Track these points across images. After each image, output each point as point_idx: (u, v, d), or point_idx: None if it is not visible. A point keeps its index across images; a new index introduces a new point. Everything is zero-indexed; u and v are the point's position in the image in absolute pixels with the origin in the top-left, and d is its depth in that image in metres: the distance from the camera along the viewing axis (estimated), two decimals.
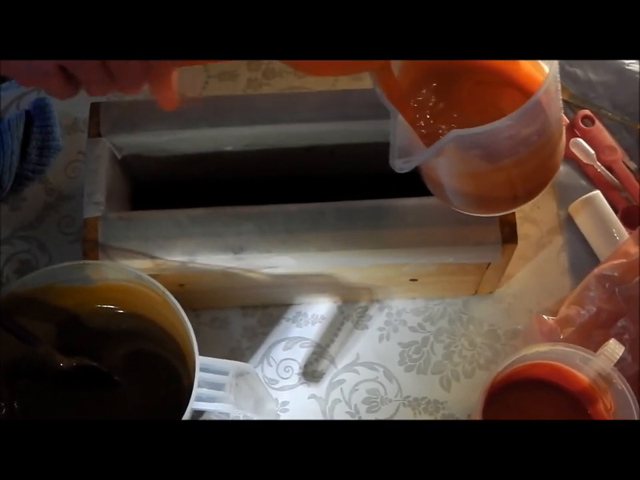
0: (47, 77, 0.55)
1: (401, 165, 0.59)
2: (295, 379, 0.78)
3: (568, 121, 0.87)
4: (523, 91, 0.63)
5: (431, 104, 0.64)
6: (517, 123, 0.55)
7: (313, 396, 0.77)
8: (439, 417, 0.76)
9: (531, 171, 0.61)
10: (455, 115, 0.63)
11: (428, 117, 0.64)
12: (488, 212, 0.66)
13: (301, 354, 0.79)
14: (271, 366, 0.79)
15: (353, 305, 0.81)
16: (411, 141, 0.60)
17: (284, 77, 0.92)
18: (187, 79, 0.92)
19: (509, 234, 0.68)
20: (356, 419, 0.76)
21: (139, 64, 0.55)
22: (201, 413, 0.77)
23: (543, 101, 0.55)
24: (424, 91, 0.64)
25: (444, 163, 0.60)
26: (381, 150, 0.69)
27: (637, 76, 0.90)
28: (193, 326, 0.64)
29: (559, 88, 0.58)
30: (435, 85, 0.65)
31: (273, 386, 0.78)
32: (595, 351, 0.66)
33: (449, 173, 0.61)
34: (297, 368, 0.79)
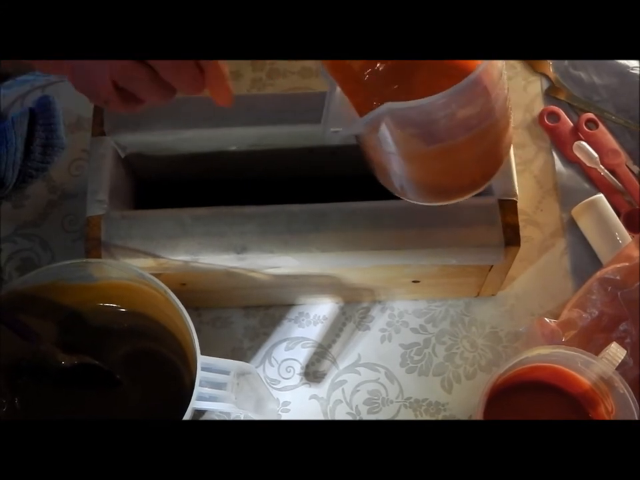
0: (106, 103, 0.56)
1: (329, 134, 0.58)
2: (296, 379, 0.78)
3: (572, 124, 0.87)
4: None
5: (383, 85, 0.63)
6: (452, 101, 0.53)
7: (314, 396, 0.78)
8: (440, 418, 0.76)
9: (472, 158, 0.60)
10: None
11: (378, 97, 0.62)
12: (434, 200, 0.65)
13: (302, 354, 0.79)
14: (273, 366, 0.79)
15: (355, 305, 0.81)
16: (346, 114, 0.59)
17: (288, 77, 0.92)
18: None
19: (511, 236, 0.68)
20: (357, 419, 0.76)
21: (191, 68, 0.55)
22: (202, 412, 0.77)
23: (482, 83, 0.54)
24: (379, 68, 0.63)
25: (384, 142, 0.58)
26: None
27: None
28: (194, 325, 0.64)
29: (504, 77, 0.58)
30: (391, 65, 0.64)
31: (274, 386, 0.78)
32: (597, 354, 0.66)
33: (390, 155, 0.60)
34: (298, 368, 0.79)
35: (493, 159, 0.62)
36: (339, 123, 0.58)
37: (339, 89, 0.59)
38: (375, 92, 0.63)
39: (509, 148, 0.63)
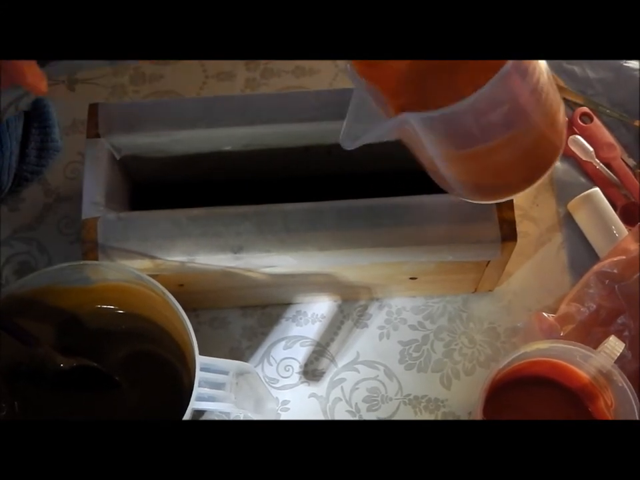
0: None
1: (349, 144, 0.59)
2: (295, 378, 0.78)
3: (567, 118, 0.87)
4: None
5: (424, 82, 0.63)
6: (473, 107, 0.53)
7: (313, 395, 0.78)
8: (439, 415, 0.76)
9: (512, 159, 0.60)
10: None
11: (419, 94, 0.63)
12: (483, 199, 0.65)
13: (301, 353, 0.79)
14: (271, 365, 0.79)
15: (352, 303, 0.81)
16: (373, 117, 0.59)
17: (282, 77, 0.92)
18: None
19: (508, 232, 0.68)
20: (356, 417, 0.76)
21: None
22: (201, 412, 0.77)
23: (507, 86, 0.54)
24: (420, 65, 0.63)
25: (421, 144, 0.59)
26: (379, 149, 0.69)
27: (635, 73, 0.90)
28: (192, 326, 0.64)
29: (543, 78, 0.57)
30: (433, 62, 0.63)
31: (273, 385, 0.78)
32: (595, 348, 0.66)
33: (431, 155, 0.60)
34: (297, 367, 0.79)
35: (539, 158, 0.62)
36: (363, 126, 0.59)
37: (365, 91, 0.59)
38: (417, 89, 0.63)
39: (561, 143, 0.62)
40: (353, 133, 0.59)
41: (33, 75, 0.65)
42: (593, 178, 0.85)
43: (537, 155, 0.62)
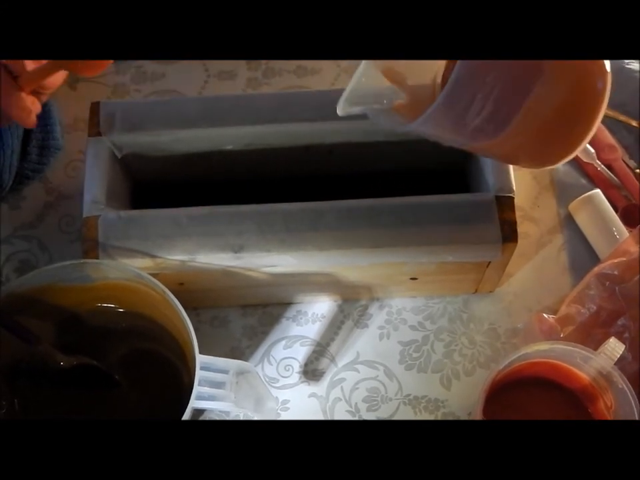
0: None
1: (348, 110, 0.59)
2: (295, 377, 0.78)
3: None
4: None
5: None
6: (441, 113, 0.52)
7: (313, 394, 0.78)
8: (439, 415, 0.76)
9: (534, 140, 0.58)
10: None
11: None
12: (552, 159, 0.61)
13: (301, 353, 0.79)
14: (271, 365, 0.79)
15: (353, 303, 0.81)
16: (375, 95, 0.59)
17: (283, 77, 0.92)
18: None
19: (508, 233, 0.68)
20: (356, 417, 0.76)
21: None
22: (201, 411, 0.77)
23: (472, 81, 0.52)
24: None
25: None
26: (379, 149, 0.69)
27: (637, 74, 0.90)
28: (193, 324, 0.64)
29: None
30: None
31: (273, 385, 0.78)
32: (595, 349, 0.66)
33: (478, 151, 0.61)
34: (297, 367, 0.79)
35: (579, 98, 0.58)
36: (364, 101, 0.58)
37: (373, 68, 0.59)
38: None
39: (595, 109, 0.58)
40: (353, 100, 0.59)
41: (20, 109, 0.67)
42: (594, 179, 0.85)
43: (574, 101, 0.57)
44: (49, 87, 0.74)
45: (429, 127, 0.54)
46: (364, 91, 0.59)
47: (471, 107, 0.53)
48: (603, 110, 0.58)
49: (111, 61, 0.72)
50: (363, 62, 0.58)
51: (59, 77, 0.69)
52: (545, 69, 0.54)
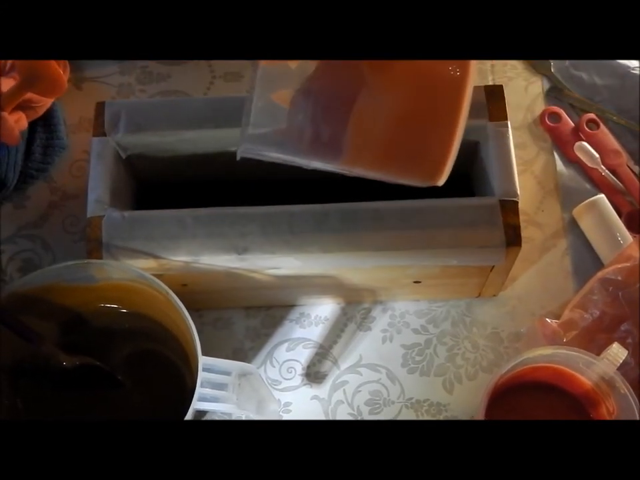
0: None
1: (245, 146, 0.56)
2: (297, 379, 0.78)
3: (573, 124, 0.87)
4: None
5: None
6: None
7: (315, 397, 0.78)
8: (441, 419, 0.76)
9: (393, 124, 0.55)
10: None
11: None
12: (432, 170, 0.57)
13: (303, 355, 0.79)
14: (274, 367, 0.79)
15: (356, 306, 0.81)
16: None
17: None
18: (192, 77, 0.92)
19: (512, 237, 0.68)
20: (358, 420, 0.76)
21: None
22: (203, 413, 0.77)
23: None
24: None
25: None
26: None
27: None
28: (196, 326, 0.64)
29: None
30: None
31: (275, 387, 0.78)
32: (598, 354, 0.66)
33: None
34: (299, 369, 0.79)
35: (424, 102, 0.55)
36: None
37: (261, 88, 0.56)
38: None
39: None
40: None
41: (5, 129, 0.70)
42: (599, 184, 0.85)
43: (425, 101, 0.54)
44: (37, 101, 0.75)
45: (273, 151, 0.54)
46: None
47: (301, 130, 0.53)
48: (467, 102, 0.53)
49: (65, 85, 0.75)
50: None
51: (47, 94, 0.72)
52: (367, 81, 0.52)
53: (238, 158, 0.58)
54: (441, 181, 0.56)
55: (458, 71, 0.52)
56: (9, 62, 0.74)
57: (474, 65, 0.53)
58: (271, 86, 0.56)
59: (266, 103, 0.56)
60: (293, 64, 0.55)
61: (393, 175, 0.57)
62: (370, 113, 0.53)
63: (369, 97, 0.52)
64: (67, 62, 0.87)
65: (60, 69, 0.74)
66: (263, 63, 0.55)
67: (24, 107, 0.74)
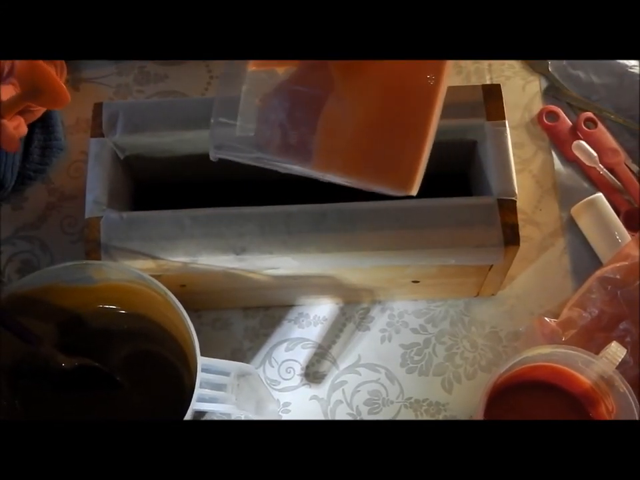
0: None
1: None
2: (296, 380, 0.78)
3: (571, 123, 0.87)
4: None
5: None
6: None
7: (314, 397, 0.77)
8: (440, 418, 0.76)
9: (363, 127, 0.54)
10: None
11: None
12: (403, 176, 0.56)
13: (302, 355, 0.79)
14: (273, 367, 0.79)
15: (354, 306, 0.81)
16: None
17: None
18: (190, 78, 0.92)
19: (511, 236, 0.68)
20: (357, 420, 0.76)
21: None
22: (202, 413, 0.77)
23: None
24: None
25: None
26: None
27: (639, 79, 0.90)
28: (194, 326, 0.64)
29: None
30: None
31: (274, 387, 0.78)
32: (597, 353, 0.66)
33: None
34: (298, 369, 0.79)
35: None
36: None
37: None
38: None
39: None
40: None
41: (4, 136, 0.70)
42: (597, 183, 0.85)
43: (395, 104, 0.54)
44: (36, 105, 0.75)
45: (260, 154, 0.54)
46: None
47: (270, 132, 0.53)
48: (438, 111, 0.53)
49: (68, 99, 0.74)
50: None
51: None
52: (336, 85, 0.52)
53: (212, 159, 0.58)
54: (414, 191, 0.55)
55: (433, 79, 0.52)
56: (7, 68, 0.74)
57: (447, 74, 0.52)
58: (258, 91, 0.56)
59: (251, 107, 0.56)
60: (281, 69, 0.55)
61: (365, 181, 0.56)
62: (338, 117, 0.52)
63: (337, 101, 0.52)
64: (64, 63, 0.87)
65: (62, 82, 0.74)
66: (251, 67, 0.55)
67: (22, 110, 0.74)
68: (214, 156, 0.57)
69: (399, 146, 0.54)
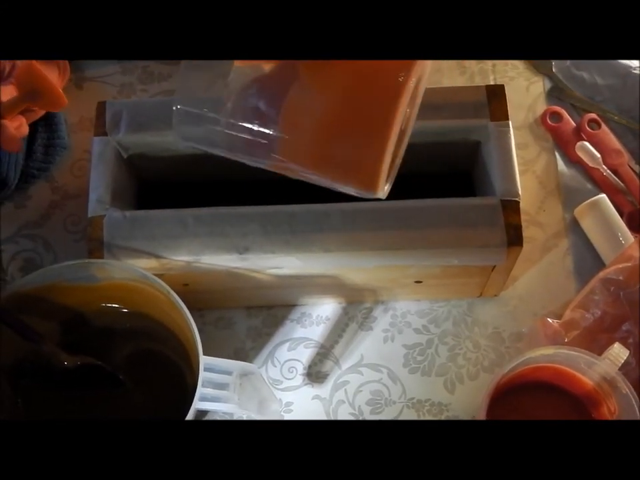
0: None
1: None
2: (299, 379, 0.78)
3: (575, 124, 0.87)
4: None
5: None
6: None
7: (316, 397, 0.77)
8: (442, 419, 0.76)
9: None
10: None
11: None
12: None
13: (305, 355, 0.79)
14: (275, 366, 0.79)
15: (357, 306, 0.81)
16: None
17: None
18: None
19: (514, 237, 0.68)
20: (360, 420, 0.76)
21: None
22: (204, 412, 0.77)
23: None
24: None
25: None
26: None
27: None
28: (197, 326, 0.64)
29: None
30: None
31: (277, 386, 0.78)
32: (600, 354, 0.66)
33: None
34: (301, 369, 0.79)
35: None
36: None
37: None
38: None
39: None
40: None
41: (5, 136, 0.70)
42: (600, 184, 0.85)
43: (360, 101, 0.52)
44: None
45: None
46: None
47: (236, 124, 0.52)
48: (402, 112, 0.51)
49: (65, 102, 0.73)
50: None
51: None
52: (300, 76, 0.51)
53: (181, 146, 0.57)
54: (380, 192, 0.54)
55: (402, 77, 0.50)
56: (7, 68, 0.74)
57: (418, 73, 0.51)
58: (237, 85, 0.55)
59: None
60: (267, 65, 0.54)
61: (328, 178, 0.55)
62: (300, 109, 0.51)
63: (300, 92, 0.51)
64: (67, 63, 0.87)
65: (59, 87, 0.74)
66: (236, 64, 0.54)
67: (24, 110, 0.74)
68: (183, 144, 0.57)
69: (362, 143, 0.52)
